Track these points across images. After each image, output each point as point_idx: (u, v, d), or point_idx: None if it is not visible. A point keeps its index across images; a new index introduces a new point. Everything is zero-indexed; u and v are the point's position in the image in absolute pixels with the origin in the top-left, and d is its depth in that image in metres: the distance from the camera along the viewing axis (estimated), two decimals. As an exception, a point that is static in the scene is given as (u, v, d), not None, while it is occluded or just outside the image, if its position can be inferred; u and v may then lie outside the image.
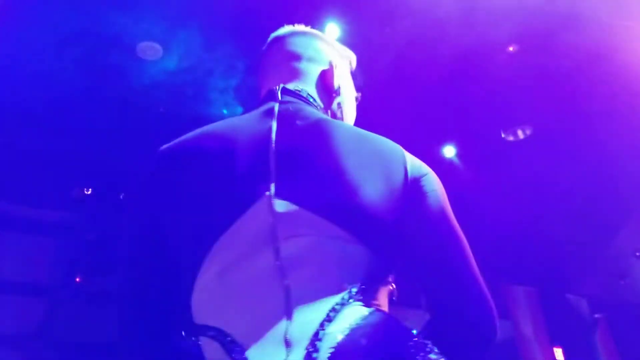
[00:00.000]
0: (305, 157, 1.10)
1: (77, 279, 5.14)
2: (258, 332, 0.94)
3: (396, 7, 3.48)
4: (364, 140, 1.16)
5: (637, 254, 5.28)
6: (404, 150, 1.15)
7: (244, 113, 4.19)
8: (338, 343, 0.89)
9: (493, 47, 3.79)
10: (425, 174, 1.13)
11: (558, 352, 6.63)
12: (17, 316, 4.79)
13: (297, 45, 1.36)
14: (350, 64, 1.45)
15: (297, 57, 1.34)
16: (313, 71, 1.33)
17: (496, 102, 4.14)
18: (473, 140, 4.69)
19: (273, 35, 1.41)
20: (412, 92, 4.06)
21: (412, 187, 1.09)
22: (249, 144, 1.12)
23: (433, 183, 1.13)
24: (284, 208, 1.02)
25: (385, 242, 1.07)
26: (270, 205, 1.02)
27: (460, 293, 1.05)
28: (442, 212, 1.10)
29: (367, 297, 1.00)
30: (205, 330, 0.99)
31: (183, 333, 1.02)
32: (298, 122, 1.16)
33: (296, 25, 1.41)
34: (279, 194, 1.03)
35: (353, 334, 0.90)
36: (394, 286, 1.13)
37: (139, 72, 3.99)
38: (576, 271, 6.47)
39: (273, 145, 1.10)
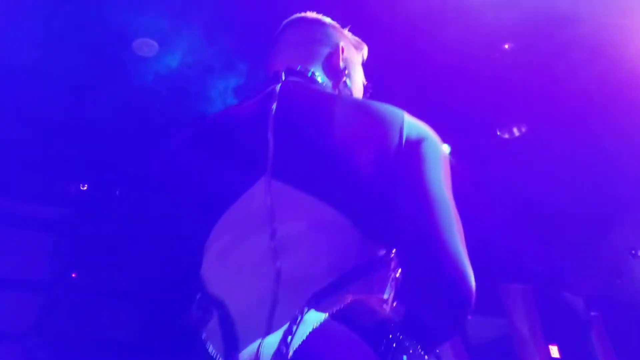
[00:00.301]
0: (302, 137, 1.12)
1: (73, 275, 5.13)
2: (247, 310, 0.99)
3: (390, 6, 3.48)
4: (362, 110, 1.17)
5: (633, 252, 5.29)
6: (404, 115, 1.15)
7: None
8: (310, 332, 0.90)
9: (488, 44, 3.78)
10: (424, 139, 1.11)
11: (554, 350, 6.64)
12: (13, 312, 4.78)
13: (307, 29, 1.43)
14: (363, 54, 1.51)
15: (305, 40, 1.40)
16: (321, 53, 1.38)
17: (492, 99, 4.14)
18: (468, 138, 4.69)
19: (285, 21, 1.48)
20: (406, 90, 4.05)
21: (407, 150, 1.08)
22: (250, 126, 1.17)
23: (430, 148, 1.10)
24: (281, 190, 1.06)
25: (381, 222, 1.05)
26: (268, 187, 1.07)
27: (434, 256, 0.98)
28: (433, 176, 1.06)
29: (356, 285, 1.00)
30: (209, 301, 1.04)
31: (198, 297, 1.08)
32: (297, 101, 1.20)
33: (308, 13, 1.47)
34: (277, 176, 1.07)
35: (325, 326, 0.91)
36: (399, 274, 1.08)
37: (135, 68, 3.97)
38: (572, 269, 6.48)
39: (271, 126, 1.14)
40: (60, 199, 5.11)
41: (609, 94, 3.93)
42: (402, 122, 1.12)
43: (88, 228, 5.12)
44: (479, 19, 3.53)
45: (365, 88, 1.50)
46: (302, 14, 1.47)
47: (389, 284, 1.06)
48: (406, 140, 1.09)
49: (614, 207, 5.38)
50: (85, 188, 4.96)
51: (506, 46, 3.75)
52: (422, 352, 0.94)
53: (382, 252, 1.06)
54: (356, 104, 1.22)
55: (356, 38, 1.51)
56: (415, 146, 1.08)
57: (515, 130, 4.45)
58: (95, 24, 3.60)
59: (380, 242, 1.06)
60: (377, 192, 1.05)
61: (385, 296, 1.04)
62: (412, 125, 1.12)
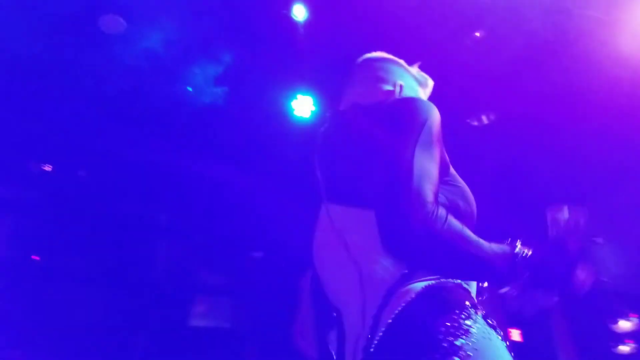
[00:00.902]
0: (335, 162, 1.36)
1: (35, 258, 5.03)
2: (350, 310, 1.24)
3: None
4: (369, 114, 1.36)
5: (593, 239, 5.43)
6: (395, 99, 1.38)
7: (209, 90, 4.15)
8: (387, 324, 1.12)
9: (459, 32, 3.80)
10: (404, 107, 1.29)
11: (515, 334, 6.81)
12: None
13: (372, 69, 1.62)
14: (428, 89, 1.69)
15: (369, 80, 1.59)
16: (381, 90, 1.55)
17: (461, 86, 4.16)
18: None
19: (359, 59, 1.68)
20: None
21: (391, 122, 1.27)
22: (310, 164, 1.43)
23: (410, 111, 1.26)
24: (337, 211, 1.31)
25: None
26: (328, 212, 1.33)
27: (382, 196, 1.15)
28: (401, 134, 1.22)
29: (419, 275, 1.17)
30: (330, 306, 1.32)
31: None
32: (333, 132, 1.44)
33: (376, 52, 1.67)
34: (330, 200, 1.33)
35: (398, 318, 1.11)
36: None
37: (101, 46, 3.87)
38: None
39: (317, 161, 1.40)
40: (22, 179, 4.99)
41: (579, 85, 3.99)
42: (391, 105, 1.31)
43: (50, 210, 5.02)
44: (450, 6, 3.54)
45: None
46: (371, 54, 1.66)
47: None
48: (392, 116, 1.27)
49: (575, 194, 5.50)
50: (49, 169, 4.84)
51: (477, 34, 3.77)
52: (489, 330, 1.10)
53: None
54: (361, 110, 1.41)
55: (423, 74, 1.68)
56: (397, 116, 1.26)
57: (484, 117, 4.50)
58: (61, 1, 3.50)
59: None
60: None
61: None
62: (398, 103, 1.32)
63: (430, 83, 1.69)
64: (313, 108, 4.55)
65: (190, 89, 4.19)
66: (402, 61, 1.65)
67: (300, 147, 4.85)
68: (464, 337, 1.05)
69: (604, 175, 5.08)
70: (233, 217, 5.63)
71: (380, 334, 1.11)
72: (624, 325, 4.80)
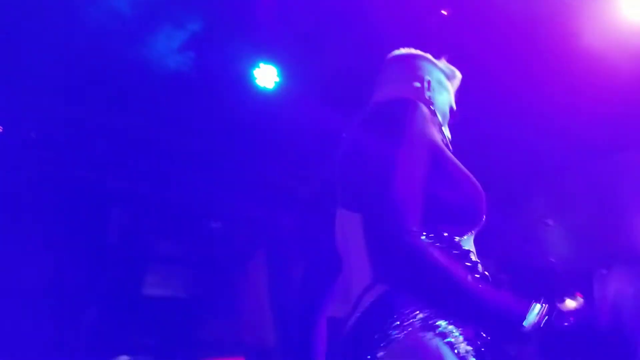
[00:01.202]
0: (347, 168, 1.39)
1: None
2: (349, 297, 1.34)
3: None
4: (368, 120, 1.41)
5: (545, 221, 5.58)
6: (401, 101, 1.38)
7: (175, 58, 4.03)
8: (363, 309, 1.21)
9: (426, 8, 3.78)
10: (394, 111, 1.32)
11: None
12: None
13: (401, 66, 1.64)
14: (456, 82, 1.71)
15: (398, 76, 1.61)
16: (409, 87, 1.56)
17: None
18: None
19: (388, 56, 1.71)
20: (343, 58, 4.02)
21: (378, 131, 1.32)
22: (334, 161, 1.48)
23: (395, 118, 1.29)
24: (344, 217, 1.37)
25: None
26: (340, 215, 1.40)
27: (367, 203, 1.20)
28: (388, 142, 1.24)
29: (380, 287, 1.25)
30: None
31: None
32: (351, 136, 1.44)
33: (404, 49, 1.70)
34: (342, 205, 1.39)
35: (369, 309, 1.20)
36: None
37: (62, 7, 3.71)
38: (485, 235, 6.77)
39: (337, 166, 1.43)
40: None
41: (539, 68, 4.04)
42: (379, 109, 1.38)
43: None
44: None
45: (453, 113, 1.68)
46: (399, 51, 1.68)
47: None
48: (380, 122, 1.32)
49: (529, 176, 5.63)
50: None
51: (444, 12, 3.75)
52: (424, 337, 1.13)
53: None
54: (375, 112, 1.43)
55: (450, 67, 1.69)
56: (384, 123, 1.30)
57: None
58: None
59: None
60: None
61: None
62: (384, 108, 1.37)
63: (459, 75, 1.71)
64: (277, 79, 4.48)
65: (156, 55, 4.07)
66: (429, 55, 1.66)
67: (263, 119, 4.79)
68: (385, 347, 1.10)
69: (557, 160, 5.21)
70: (191, 186, 5.55)
71: (360, 311, 1.21)
72: (570, 304, 4.99)
